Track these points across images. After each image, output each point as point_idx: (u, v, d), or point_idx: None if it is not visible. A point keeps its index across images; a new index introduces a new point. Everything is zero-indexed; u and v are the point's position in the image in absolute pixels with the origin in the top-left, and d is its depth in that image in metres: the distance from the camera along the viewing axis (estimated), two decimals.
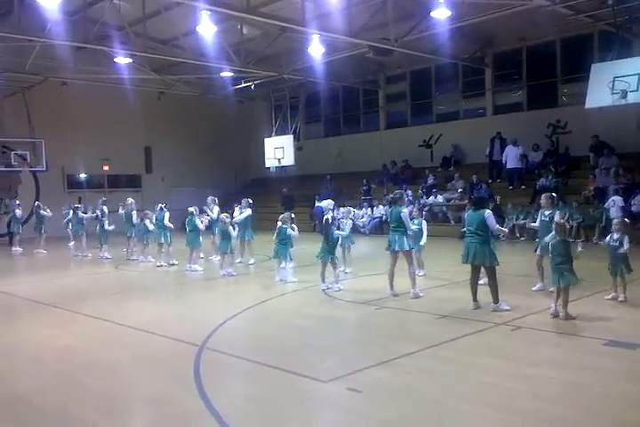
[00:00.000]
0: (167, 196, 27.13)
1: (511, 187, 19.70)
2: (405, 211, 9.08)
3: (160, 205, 13.73)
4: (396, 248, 9.05)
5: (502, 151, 20.36)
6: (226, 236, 12.05)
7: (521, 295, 8.81)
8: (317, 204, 21.43)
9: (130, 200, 15.55)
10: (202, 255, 14.11)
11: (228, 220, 12.16)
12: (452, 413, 4.61)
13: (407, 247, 9.02)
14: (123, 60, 19.54)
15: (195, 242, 12.99)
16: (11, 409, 5.03)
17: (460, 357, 5.97)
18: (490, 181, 20.52)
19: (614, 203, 16.01)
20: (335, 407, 4.85)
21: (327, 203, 19.94)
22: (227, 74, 22.33)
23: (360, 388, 5.11)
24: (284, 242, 11.19)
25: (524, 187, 19.37)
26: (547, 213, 9.00)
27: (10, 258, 17.71)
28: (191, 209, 13.25)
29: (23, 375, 5.97)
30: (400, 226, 9.03)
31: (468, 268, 8.27)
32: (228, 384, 5.46)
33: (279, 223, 11.24)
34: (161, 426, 4.61)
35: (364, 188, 23.32)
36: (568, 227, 8.60)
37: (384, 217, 20.95)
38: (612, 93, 14.05)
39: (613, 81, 14.03)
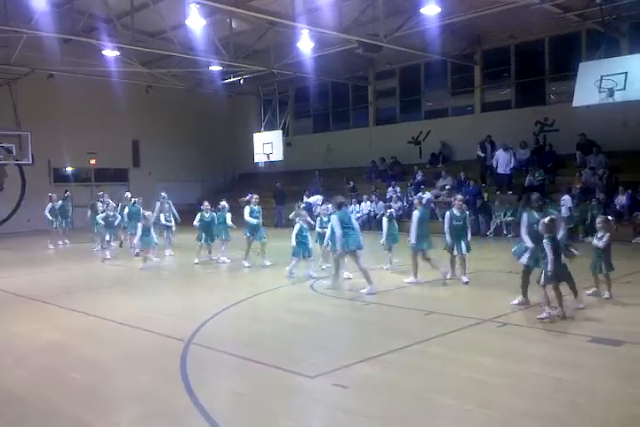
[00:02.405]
0: (154, 190, 27.05)
1: (499, 192, 19.33)
2: (335, 216, 9.57)
3: (223, 203, 13.76)
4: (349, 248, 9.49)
5: (493, 155, 20.15)
6: (146, 233, 12.64)
7: (507, 292, 8.84)
8: (306, 199, 21.44)
9: (128, 195, 16.38)
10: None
11: (151, 217, 13.06)
12: (437, 408, 4.63)
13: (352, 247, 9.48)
14: (110, 52, 19.38)
15: (226, 234, 13.49)
16: None
17: (447, 353, 6.00)
18: (482, 184, 20.34)
19: (564, 203, 16.18)
20: (321, 403, 4.86)
21: (316, 198, 19.95)
22: (215, 68, 22.21)
23: (346, 384, 5.12)
24: (304, 240, 10.79)
25: (510, 192, 19.22)
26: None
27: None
28: (223, 203, 13.67)
29: (8, 370, 5.92)
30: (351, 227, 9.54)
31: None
32: (214, 380, 5.46)
33: (296, 220, 10.84)
34: (147, 422, 4.60)
35: (348, 185, 23.39)
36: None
37: (371, 213, 21.02)
38: (600, 92, 14.13)
39: (601, 79, 14.11)
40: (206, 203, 13.80)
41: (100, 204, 16.58)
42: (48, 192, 19.57)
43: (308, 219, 11.15)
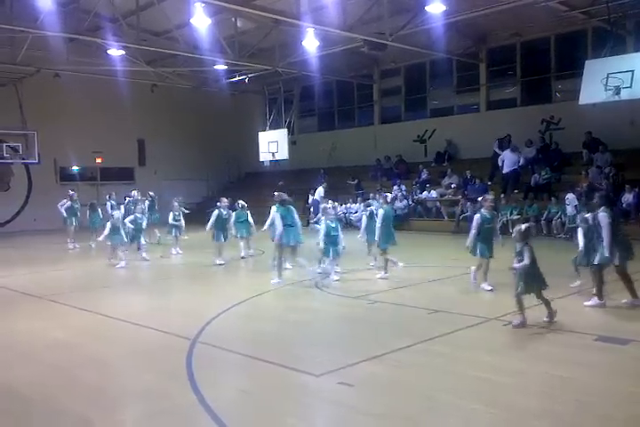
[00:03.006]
0: (160, 189, 27.11)
1: (503, 194, 18.62)
2: (277, 212, 10.30)
3: (241, 202, 13.88)
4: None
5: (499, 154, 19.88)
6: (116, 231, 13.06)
7: (513, 291, 8.81)
8: (312, 197, 21.47)
9: (135, 193, 16.93)
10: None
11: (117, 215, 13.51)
12: (443, 407, 4.63)
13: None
14: (116, 51, 19.43)
15: (248, 232, 13.69)
16: (2, 401, 5.02)
17: (452, 351, 5.99)
18: (489, 183, 20.17)
19: (569, 201, 16.11)
20: (327, 401, 4.86)
21: (318, 191, 19.90)
22: (220, 67, 22.24)
23: (352, 382, 5.12)
24: (334, 239, 10.37)
25: (516, 191, 19.09)
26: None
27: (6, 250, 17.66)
28: (242, 202, 13.77)
29: (15, 368, 5.94)
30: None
31: (457, 263, 8.29)
32: (220, 378, 5.47)
33: (323, 219, 10.50)
34: (153, 420, 4.61)
35: (352, 182, 23.37)
36: None
37: (376, 211, 20.96)
38: (606, 90, 14.08)
39: (607, 77, 14.06)
40: (225, 200, 13.50)
41: (109, 204, 17.00)
42: (54, 191, 19.70)
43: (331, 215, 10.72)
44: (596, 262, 7.60)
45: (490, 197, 9.93)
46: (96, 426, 4.49)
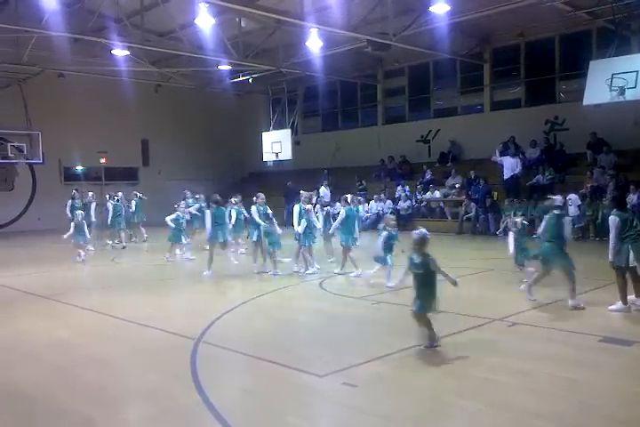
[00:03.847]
0: (164, 189, 27.13)
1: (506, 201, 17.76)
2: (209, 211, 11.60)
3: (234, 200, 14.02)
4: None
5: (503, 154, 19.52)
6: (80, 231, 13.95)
7: (517, 292, 8.81)
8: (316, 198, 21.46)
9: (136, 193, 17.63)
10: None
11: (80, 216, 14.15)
12: (447, 408, 4.62)
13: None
14: (120, 52, 19.44)
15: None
16: (5, 401, 5.03)
17: (456, 352, 5.97)
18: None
19: (570, 202, 16.06)
20: (331, 402, 4.86)
21: (321, 191, 19.73)
22: (224, 67, 22.25)
23: (356, 383, 5.12)
24: (391, 248, 9.92)
25: (516, 198, 18.54)
26: None
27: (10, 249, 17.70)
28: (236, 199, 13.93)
29: (18, 367, 5.95)
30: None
31: (462, 264, 8.27)
32: (224, 378, 5.47)
33: (387, 227, 9.96)
34: (157, 420, 4.61)
35: (358, 184, 23.39)
36: None
37: (381, 212, 21.00)
38: (610, 90, 14.05)
39: (611, 78, 14.03)
40: (262, 195, 12.17)
41: (109, 204, 17.37)
42: (58, 191, 19.71)
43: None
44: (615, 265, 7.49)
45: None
46: (99, 426, 4.49)
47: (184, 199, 16.73)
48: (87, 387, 5.32)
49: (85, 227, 14.18)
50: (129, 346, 6.61)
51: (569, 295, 7.65)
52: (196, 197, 17.06)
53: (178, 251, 14.61)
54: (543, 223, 8.02)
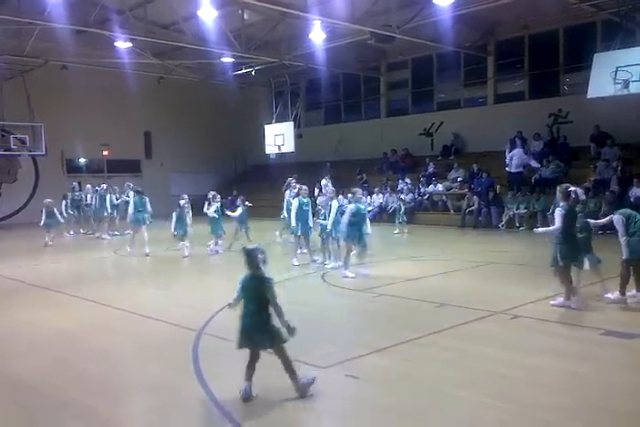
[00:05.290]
0: (166, 181, 27.17)
1: (510, 195, 18.38)
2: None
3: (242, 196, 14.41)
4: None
5: (511, 149, 19.38)
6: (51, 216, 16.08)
7: (519, 284, 8.82)
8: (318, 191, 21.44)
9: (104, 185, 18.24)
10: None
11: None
12: (449, 400, 4.63)
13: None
14: (123, 44, 19.42)
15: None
16: (8, 392, 5.06)
17: (459, 345, 5.99)
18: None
19: (576, 195, 15.95)
20: (333, 394, 4.87)
21: (323, 184, 19.74)
22: (227, 59, 22.21)
23: (358, 374, 5.14)
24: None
25: (520, 191, 18.66)
26: None
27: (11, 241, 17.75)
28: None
29: (20, 359, 5.97)
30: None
31: (464, 257, 8.28)
32: (226, 370, 5.48)
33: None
34: (159, 411, 4.63)
35: (358, 177, 23.36)
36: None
37: (382, 205, 21.02)
38: (615, 83, 14.00)
39: (616, 71, 13.97)
40: (305, 187, 12.00)
41: (108, 197, 17.92)
42: (61, 183, 19.79)
43: None
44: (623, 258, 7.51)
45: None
46: (102, 417, 4.52)
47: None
48: (89, 378, 5.34)
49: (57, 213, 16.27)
50: (131, 337, 6.63)
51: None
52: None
53: (212, 242, 13.86)
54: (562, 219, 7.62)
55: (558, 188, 7.84)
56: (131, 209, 13.75)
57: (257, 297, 4.86)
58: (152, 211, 14.19)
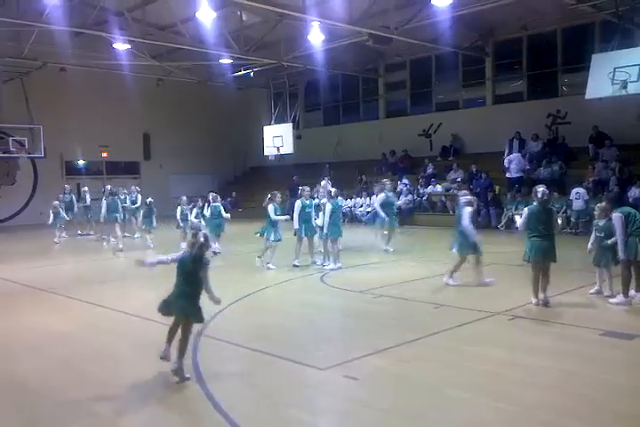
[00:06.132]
0: (165, 183, 27.16)
1: (509, 195, 18.25)
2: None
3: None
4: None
5: (510, 151, 19.43)
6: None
7: (518, 285, 8.82)
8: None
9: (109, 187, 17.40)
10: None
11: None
12: (448, 401, 4.63)
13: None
14: (121, 45, 19.40)
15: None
16: (9, 393, 5.06)
17: (458, 345, 6.00)
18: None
19: (579, 196, 16.00)
20: (332, 395, 4.88)
21: (323, 185, 19.78)
22: (226, 61, 22.19)
23: (357, 376, 5.14)
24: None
25: (519, 193, 18.55)
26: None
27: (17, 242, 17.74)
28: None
29: (21, 360, 5.98)
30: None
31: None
32: (225, 371, 5.48)
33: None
34: (160, 412, 4.63)
35: (358, 178, 23.38)
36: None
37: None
38: (613, 84, 14.00)
39: (614, 71, 13.98)
40: (307, 189, 11.96)
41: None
42: (60, 185, 19.78)
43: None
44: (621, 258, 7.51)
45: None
46: (103, 418, 4.52)
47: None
48: (90, 380, 5.34)
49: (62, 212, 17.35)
50: (130, 339, 6.64)
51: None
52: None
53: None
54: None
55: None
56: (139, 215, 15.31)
57: (192, 273, 5.39)
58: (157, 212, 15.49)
